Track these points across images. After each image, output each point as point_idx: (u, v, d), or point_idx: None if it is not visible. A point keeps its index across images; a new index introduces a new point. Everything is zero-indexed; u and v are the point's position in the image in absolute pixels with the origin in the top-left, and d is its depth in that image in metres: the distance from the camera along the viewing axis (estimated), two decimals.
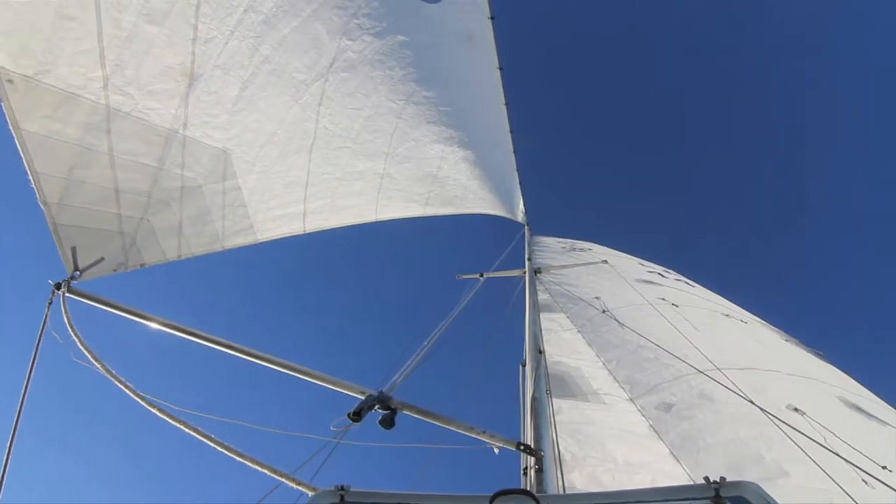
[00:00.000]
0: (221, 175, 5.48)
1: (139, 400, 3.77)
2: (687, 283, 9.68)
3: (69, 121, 3.90)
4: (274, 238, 6.64)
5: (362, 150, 6.82)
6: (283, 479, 3.33)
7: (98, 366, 3.84)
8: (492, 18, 6.44)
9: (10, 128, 3.56)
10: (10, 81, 3.45)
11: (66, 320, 4.00)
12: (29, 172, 3.79)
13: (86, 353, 3.88)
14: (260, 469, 3.45)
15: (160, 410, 3.72)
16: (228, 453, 3.55)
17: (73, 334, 3.95)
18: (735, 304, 9.35)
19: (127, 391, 3.80)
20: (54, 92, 3.72)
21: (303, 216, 6.86)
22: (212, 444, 3.59)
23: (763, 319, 8.92)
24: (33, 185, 3.85)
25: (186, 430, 3.65)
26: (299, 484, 3.28)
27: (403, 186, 7.89)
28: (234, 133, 5.30)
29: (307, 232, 7.06)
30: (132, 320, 4.28)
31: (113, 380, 3.81)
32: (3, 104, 3.49)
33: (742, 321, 8.04)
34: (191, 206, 5.32)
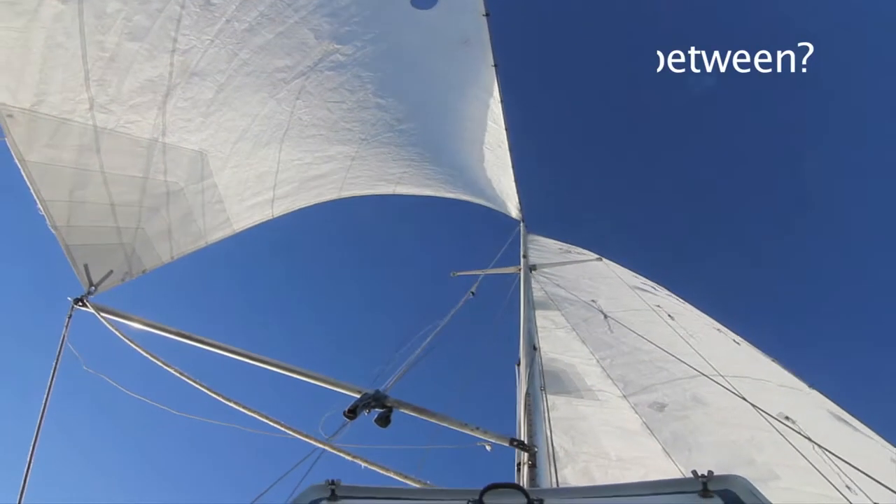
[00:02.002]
0: (199, 175, 5.63)
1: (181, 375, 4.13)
2: (677, 300, 9.70)
3: (64, 146, 4.00)
4: (248, 227, 6.91)
5: (336, 137, 7.00)
6: None
7: (143, 352, 4.18)
8: (486, 15, 6.38)
9: (16, 161, 3.67)
10: (10, 116, 3.54)
11: (103, 321, 4.32)
12: (37, 201, 3.93)
13: (128, 342, 4.22)
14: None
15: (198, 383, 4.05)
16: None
17: (111, 328, 4.28)
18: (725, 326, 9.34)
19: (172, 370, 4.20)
20: (49, 120, 3.81)
21: (272, 202, 7.10)
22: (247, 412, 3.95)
23: (750, 342, 8.93)
24: (42, 213, 4.00)
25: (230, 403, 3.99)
26: None
27: (374, 167, 8.10)
28: (209, 133, 5.43)
29: (275, 216, 7.34)
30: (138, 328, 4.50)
31: (157, 361, 4.22)
32: (6, 139, 3.58)
33: (734, 341, 8.05)
34: (176, 208, 5.50)
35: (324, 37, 5.39)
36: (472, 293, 6.85)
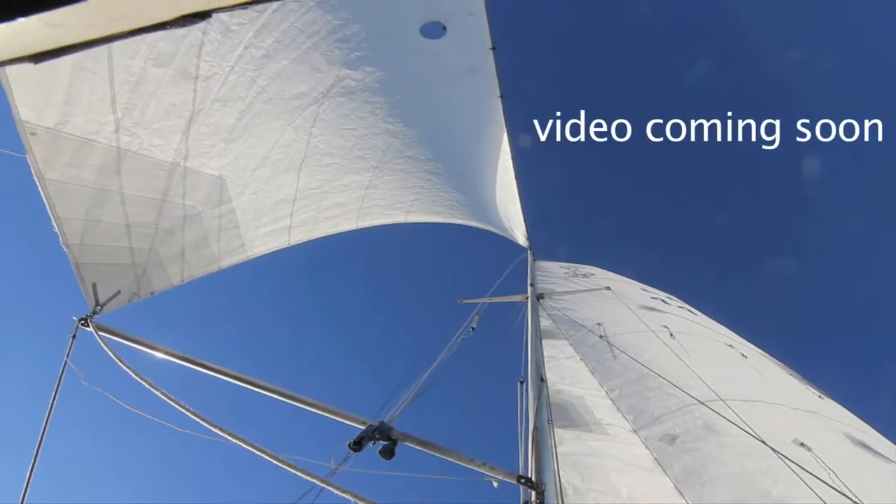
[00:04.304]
0: (218, 200, 5.70)
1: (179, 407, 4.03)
2: (689, 311, 9.59)
3: (85, 165, 4.09)
4: (262, 254, 6.94)
5: (351, 166, 7.12)
6: None
7: (141, 380, 4.12)
8: (493, 49, 6.54)
9: (35, 178, 3.75)
10: (33, 134, 3.63)
11: (102, 344, 4.28)
12: (52, 218, 3.99)
13: (125, 367, 4.18)
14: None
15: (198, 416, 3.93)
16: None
17: (109, 352, 4.22)
18: (737, 333, 9.24)
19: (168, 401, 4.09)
20: (72, 139, 3.90)
21: (288, 230, 7.16)
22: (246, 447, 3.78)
23: (765, 351, 8.81)
24: (56, 230, 4.05)
25: (226, 436, 3.84)
26: None
27: (387, 195, 8.20)
28: (230, 160, 5.52)
29: (291, 245, 7.37)
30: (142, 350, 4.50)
31: (156, 392, 4.13)
32: (28, 157, 3.66)
33: (744, 354, 7.94)
34: (192, 232, 5.55)
35: (335, 63, 5.54)
36: (473, 328, 6.82)
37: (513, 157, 8.89)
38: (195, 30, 4.14)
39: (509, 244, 11.57)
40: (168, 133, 4.62)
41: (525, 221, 10.53)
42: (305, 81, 5.51)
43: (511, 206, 10.03)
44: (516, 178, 9.21)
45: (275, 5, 4.60)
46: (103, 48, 3.66)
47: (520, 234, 11.20)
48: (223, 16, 4.25)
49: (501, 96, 7.46)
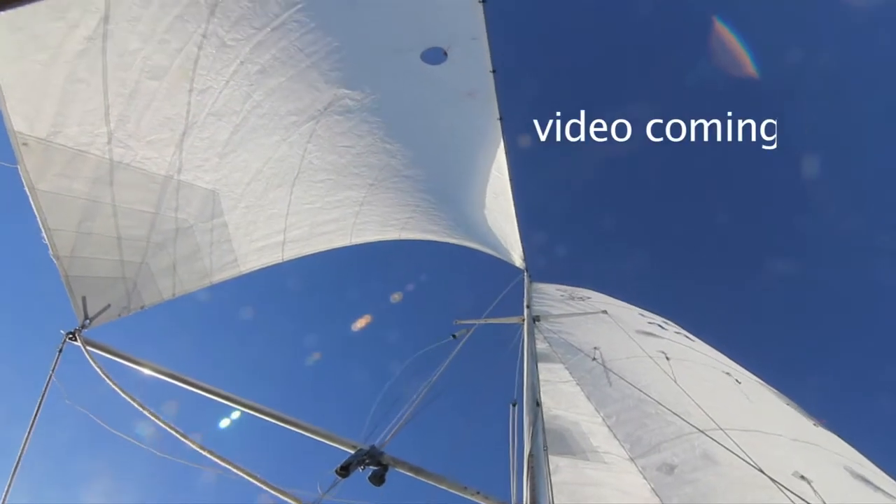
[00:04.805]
0: (210, 214, 5.66)
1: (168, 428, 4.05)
2: (687, 337, 9.52)
3: (77, 176, 4.05)
4: (255, 269, 6.87)
5: (346, 183, 7.11)
6: None
7: (128, 398, 4.13)
8: (493, 72, 6.59)
9: (26, 189, 3.72)
10: (25, 145, 3.61)
11: (89, 359, 4.25)
12: (43, 229, 3.95)
13: (112, 384, 4.19)
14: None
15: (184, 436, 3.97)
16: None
17: (96, 367, 4.20)
18: (734, 361, 9.15)
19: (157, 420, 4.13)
20: (64, 150, 3.87)
21: (282, 245, 7.09)
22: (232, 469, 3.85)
23: (762, 380, 8.71)
24: (46, 241, 4.01)
25: (215, 458, 3.88)
26: None
27: (382, 213, 8.19)
28: (224, 174, 5.50)
29: (285, 260, 7.31)
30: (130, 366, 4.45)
31: (145, 411, 4.15)
32: (19, 167, 3.64)
33: (742, 382, 7.84)
34: (183, 246, 5.50)
35: (333, 82, 5.55)
36: (454, 336, 6.74)
37: (511, 179, 8.89)
38: (190, 43, 4.15)
39: (506, 264, 11.53)
40: (162, 146, 4.60)
41: (522, 243, 10.50)
42: (303, 99, 5.52)
43: (508, 227, 10.02)
44: (514, 199, 9.19)
45: (274, 24, 4.63)
46: (98, 60, 3.64)
47: (516, 256, 11.17)
48: (219, 30, 4.28)
49: (501, 119, 7.51)
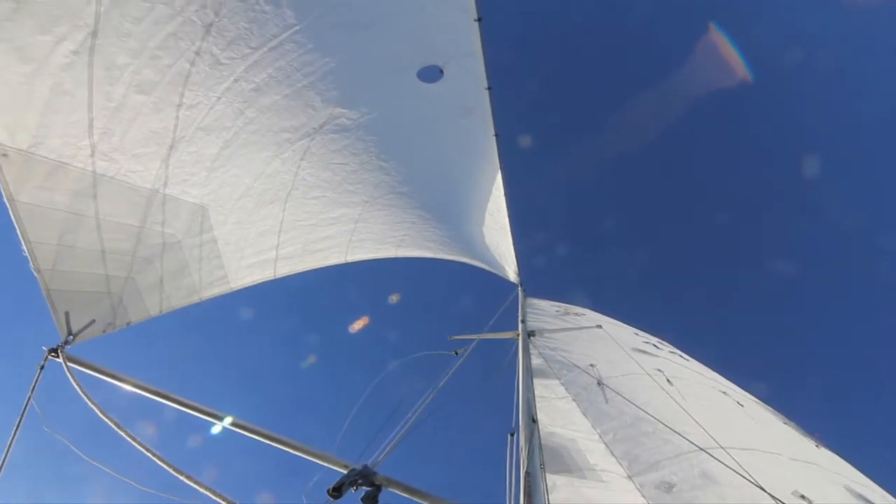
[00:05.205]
0: (199, 229, 5.60)
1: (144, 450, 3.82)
2: (682, 357, 9.46)
3: (58, 189, 4.00)
4: (246, 286, 6.80)
5: (341, 199, 7.07)
6: None
7: (108, 420, 3.93)
8: (489, 89, 6.62)
9: (6, 200, 3.67)
10: (4, 156, 3.56)
11: (70, 378, 4.11)
12: (23, 242, 3.89)
13: (92, 405, 4.01)
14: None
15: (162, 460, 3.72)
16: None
17: (77, 388, 4.02)
18: (730, 380, 9.09)
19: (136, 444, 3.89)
20: (45, 162, 3.83)
21: (274, 262, 7.04)
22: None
23: (758, 399, 8.64)
24: (27, 254, 3.94)
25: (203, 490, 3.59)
26: None
27: (377, 230, 8.15)
28: (212, 188, 5.45)
29: (277, 277, 7.25)
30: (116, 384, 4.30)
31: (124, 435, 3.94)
32: None
33: (739, 402, 7.77)
34: (171, 261, 5.42)
35: (330, 101, 5.53)
36: (456, 352, 6.64)
37: (506, 195, 8.89)
38: (182, 60, 4.12)
39: (501, 279, 11.51)
40: (147, 159, 4.55)
41: (517, 258, 10.48)
42: (297, 116, 5.50)
43: (503, 242, 10.00)
44: (509, 215, 9.18)
45: (271, 44, 4.61)
46: (84, 74, 3.61)
47: (511, 271, 11.13)
48: (214, 48, 4.26)
49: (496, 135, 7.52)
